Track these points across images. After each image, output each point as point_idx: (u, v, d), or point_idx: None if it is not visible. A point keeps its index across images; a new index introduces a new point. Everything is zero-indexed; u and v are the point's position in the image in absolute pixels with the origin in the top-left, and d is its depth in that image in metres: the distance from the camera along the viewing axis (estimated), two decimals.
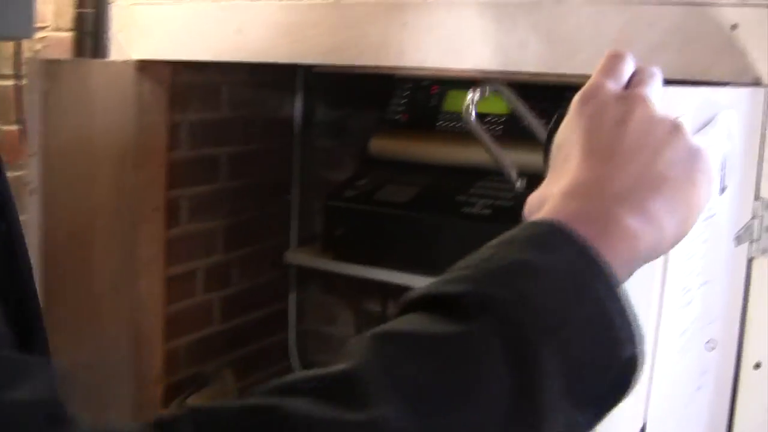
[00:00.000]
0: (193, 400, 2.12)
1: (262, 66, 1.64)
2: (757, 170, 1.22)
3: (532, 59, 1.42)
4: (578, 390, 0.57)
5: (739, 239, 1.21)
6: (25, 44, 2.01)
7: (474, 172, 1.99)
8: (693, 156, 0.68)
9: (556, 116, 0.79)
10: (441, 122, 2.03)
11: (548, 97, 1.95)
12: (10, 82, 2.00)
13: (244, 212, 2.36)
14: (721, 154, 1.04)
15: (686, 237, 0.67)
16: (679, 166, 0.67)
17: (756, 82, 1.26)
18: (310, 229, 2.69)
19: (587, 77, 1.42)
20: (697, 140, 0.70)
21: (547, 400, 0.55)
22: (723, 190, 1.14)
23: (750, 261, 1.24)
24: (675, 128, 0.69)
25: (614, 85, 0.75)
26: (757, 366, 1.24)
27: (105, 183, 1.90)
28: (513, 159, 1.94)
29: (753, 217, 1.23)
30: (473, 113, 1.52)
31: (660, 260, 0.91)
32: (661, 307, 0.97)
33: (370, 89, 2.55)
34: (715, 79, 1.29)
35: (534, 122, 1.52)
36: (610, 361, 0.59)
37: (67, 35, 2.03)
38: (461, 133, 1.99)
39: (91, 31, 1.93)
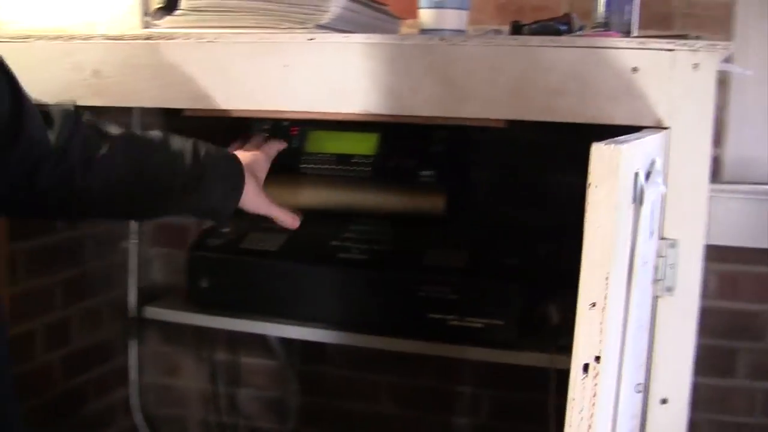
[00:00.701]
0: None
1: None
2: (661, 210, 1.23)
3: (425, 103, 1.39)
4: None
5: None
6: None
7: (345, 216, 1.94)
8: None
9: None
10: (304, 165, 1.96)
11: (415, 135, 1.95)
12: None
13: (82, 264, 2.27)
14: (658, 199, 1.04)
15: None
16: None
17: (658, 125, 1.27)
18: (150, 279, 2.60)
19: (483, 121, 1.40)
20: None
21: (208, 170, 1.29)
22: (652, 233, 1.14)
23: (655, 299, 1.26)
24: None
25: None
26: (664, 402, 1.28)
27: None
28: (382, 201, 1.92)
29: (658, 256, 1.24)
30: None
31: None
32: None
33: (222, 131, 2.47)
34: (616, 123, 1.30)
35: None
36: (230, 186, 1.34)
37: None
38: (328, 176, 1.93)
39: None
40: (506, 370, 2.28)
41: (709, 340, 2.14)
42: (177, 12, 1.58)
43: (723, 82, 2.05)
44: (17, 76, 1.16)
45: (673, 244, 1.25)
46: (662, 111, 1.28)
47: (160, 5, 1.60)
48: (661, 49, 1.27)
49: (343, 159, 1.96)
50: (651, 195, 0.97)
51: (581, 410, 0.82)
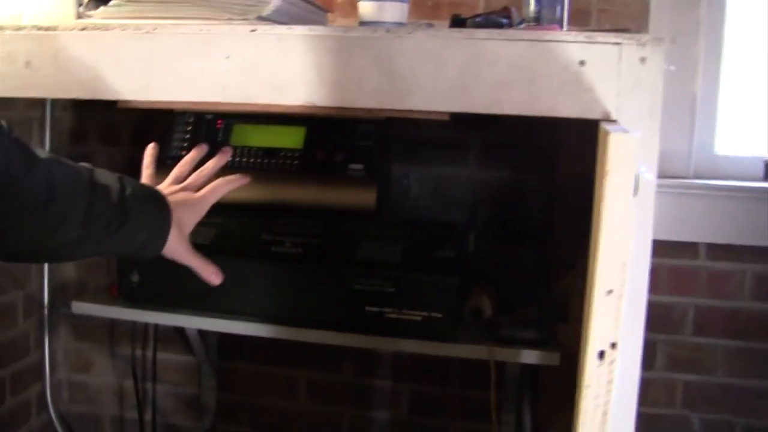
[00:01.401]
0: None
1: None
2: None
3: (370, 96, 1.38)
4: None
5: None
6: None
7: (271, 209, 1.92)
8: None
9: None
10: (230, 158, 1.93)
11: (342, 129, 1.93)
12: None
13: None
14: None
15: None
16: None
17: (605, 118, 1.28)
18: (61, 274, 2.55)
19: (426, 113, 1.39)
20: None
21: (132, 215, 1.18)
22: None
23: None
24: None
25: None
26: None
27: None
28: (311, 195, 1.90)
29: None
30: None
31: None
32: None
33: (144, 124, 2.43)
34: (563, 116, 1.31)
35: None
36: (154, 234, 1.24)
37: None
38: (253, 170, 1.90)
39: None
40: (427, 362, 2.30)
41: None
42: (112, 2, 1.54)
43: None
44: None
45: None
46: (610, 104, 1.29)
47: None
48: (608, 43, 1.29)
49: (271, 152, 1.94)
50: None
51: (596, 397, 0.82)
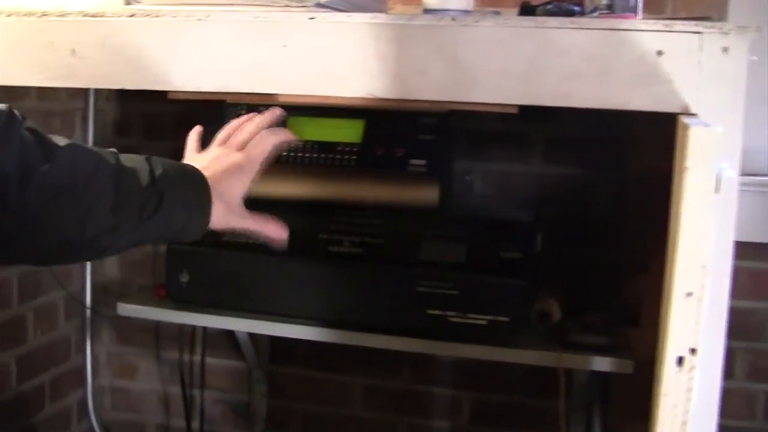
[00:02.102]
0: None
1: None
2: None
3: (433, 87, 1.38)
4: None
5: None
6: None
7: (328, 207, 1.94)
8: None
9: None
10: (285, 153, 1.95)
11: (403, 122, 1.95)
12: None
13: None
14: None
15: None
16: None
17: (684, 111, 1.28)
18: (105, 274, 2.59)
19: (492, 105, 1.40)
20: None
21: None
22: None
23: None
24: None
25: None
26: None
27: None
28: (370, 192, 1.92)
29: None
30: None
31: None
32: None
33: (192, 117, 2.45)
34: (637, 109, 1.31)
35: None
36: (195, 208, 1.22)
37: None
38: (309, 165, 1.93)
39: None
40: (490, 369, 2.31)
41: None
42: None
43: None
44: None
45: None
46: (689, 97, 1.28)
47: None
48: (688, 32, 1.28)
49: (327, 147, 1.96)
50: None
51: (675, 406, 0.83)
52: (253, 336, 2.42)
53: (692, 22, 1.30)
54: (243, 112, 1.98)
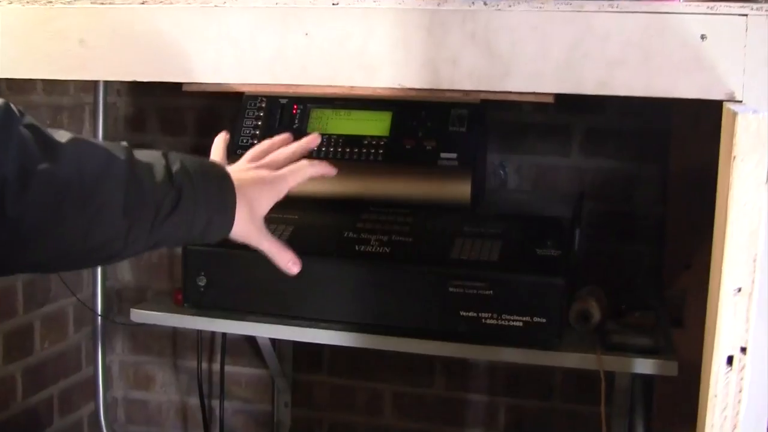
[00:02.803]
0: None
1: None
2: None
3: (466, 76, 1.39)
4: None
5: None
6: None
7: (354, 204, 1.95)
8: None
9: None
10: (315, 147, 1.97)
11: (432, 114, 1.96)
12: None
13: None
14: None
15: None
16: None
17: (730, 98, 1.28)
18: (117, 278, 2.61)
19: (527, 95, 1.41)
20: None
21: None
22: None
23: None
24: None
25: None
26: None
27: None
28: (398, 188, 1.93)
29: None
30: None
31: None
32: None
33: (209, 110, 2.48)
34: (681, 96, 1.31)
35: None
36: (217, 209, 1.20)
37: None
38: (334, 160, 1.94)
39: None
40: (527, 373, 2.32)
41: None
42: None
43: None
44: None
45: None
46: (735, 82, 1.28)
47: None
48: (734, 14, 1.28)
49: (353, 141, 1.96)
50: None
51: (724, 408, 0.83)
52: (275, 342, 2.43)
53: (737, 3, 1.30)
54: (263, 104, 2.01)
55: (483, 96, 1.51)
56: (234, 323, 2.01)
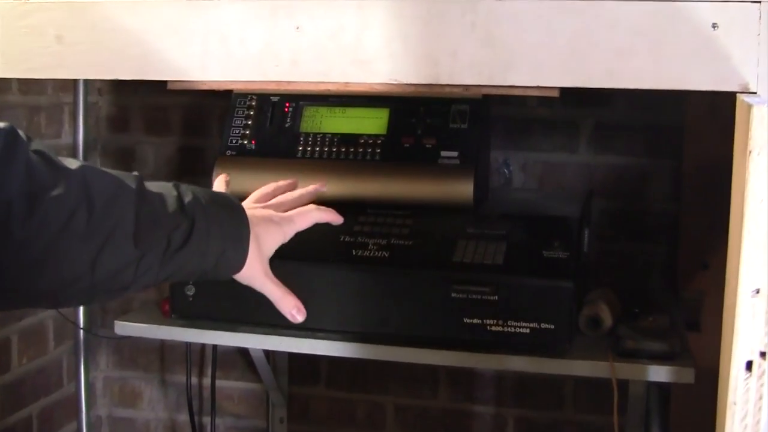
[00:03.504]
0: None
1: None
2: None
3: (466, 69, 1.39)
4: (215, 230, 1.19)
5: None
6: None
7: (351, 206, 1.94)
8: None
9: None
10: (301, 147, 1.98)
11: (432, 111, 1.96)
12: None
13: None
14: None
15: None
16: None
17: (744, 90, 1.28)
18: None
19: (531, 89, 1.41)
20: None
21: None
22: None
23: None
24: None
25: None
26: None
27: None
28: (397, 188, 1.93)
29: None
30: None
31: None
32: None
33: (196, 109, 2.48)
34: (692, 88, 1.31)
35: None
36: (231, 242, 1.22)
37: None
38: (329, 160, 1.95)
39: None
40: (536, 382, 2.32)
41: None
42: None
43: None
44: None
45: None
46: (749, 73, 1.28)
47: None
48: (747, 1, 1.28)
49: (349, 140, 1.97)
50: None
51: (744, 417, 0.83)
52: (269, 354, 2.43)
53: None
54: (253, 103, 2.01)
55: (485, 90, 1.52)
56: (225, 334, 2.01)
